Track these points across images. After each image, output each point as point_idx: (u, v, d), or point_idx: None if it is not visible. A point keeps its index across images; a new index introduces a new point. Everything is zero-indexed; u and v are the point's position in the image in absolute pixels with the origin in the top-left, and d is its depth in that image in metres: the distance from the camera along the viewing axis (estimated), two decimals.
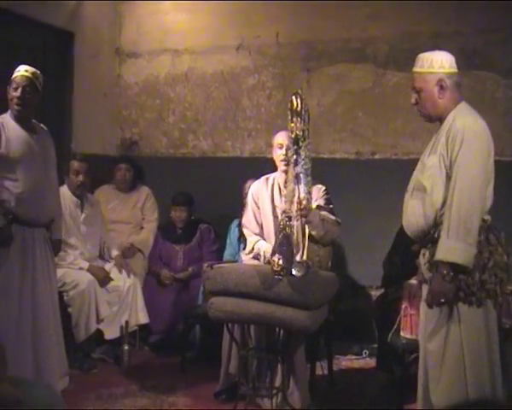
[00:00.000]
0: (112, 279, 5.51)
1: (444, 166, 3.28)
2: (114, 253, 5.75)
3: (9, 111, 4.39)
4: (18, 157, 4.28)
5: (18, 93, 4.32)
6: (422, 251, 3.45)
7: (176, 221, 6.13)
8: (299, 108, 4.07)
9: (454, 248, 3.17)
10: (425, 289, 3.44)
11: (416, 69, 3.45)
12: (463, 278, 3.21)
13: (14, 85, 4.33)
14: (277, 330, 4.22)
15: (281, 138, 4.61)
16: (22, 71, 4.37)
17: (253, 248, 4.67)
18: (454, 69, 3.41)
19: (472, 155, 3.21)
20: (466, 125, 3.25)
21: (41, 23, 5.95)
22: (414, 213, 3.40)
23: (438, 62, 3.38)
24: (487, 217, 3.30)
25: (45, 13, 5.95)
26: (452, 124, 3.30)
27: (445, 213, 3.22)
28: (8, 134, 4.30)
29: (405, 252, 4.34)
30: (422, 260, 3.45)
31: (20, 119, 4.37)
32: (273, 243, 4.18)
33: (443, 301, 3.23)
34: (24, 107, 4.35)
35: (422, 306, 3.49)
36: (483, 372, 3.25)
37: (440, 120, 3.41)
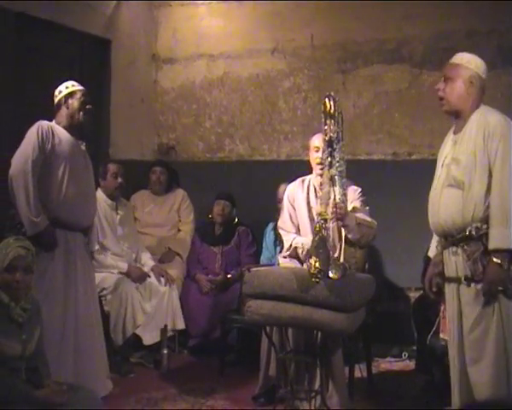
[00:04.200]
0: (149, 276, 5.58)
1: (481, 160, 3.38)
2: (151, 263, 5.78)
3: (57, 119, 4.53)
4: (67, 158, 4.41)
5: (90, 106, 4.56)
6: (450, 249, 3.50)
7: (217, 217, 6.13)
8: (332, 111, 4.04)
9: (509, 236, 3.27)
10: (451, 287, 3.52)
11: (452, 61, 3.61)
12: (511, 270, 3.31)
13: (82, 98, 4.52)
14: (315, 332, 4.20)
15: (317, 141, 4.59)
16: (80, 85, 4.59)
17: (290, 246, 4.67)
18: (484, 76, 3.57)
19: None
20: (501, 121, 3.42)
21: (78, 31, 6.03)
22: (449, 209, 3.46)
23: (474, 63, 3.55)
24: None
25: (82, 21, 6.04)
26: (485, 121, 3.42)
27: (494, 204, 3.32)
28: (60, 136, 4.43)
29: None
30: (452, 258, 3.49)
31: (75, 127, 4.53)
32: (310, 244, 4.17)
33: (501, 289, 3.31)
34: (91, 118, 4.60)
35: (450, 305, 3.55)
36: None
37: (458, 115, 3.56)
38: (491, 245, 3.30)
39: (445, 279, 3.58)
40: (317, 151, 4.56)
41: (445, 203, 3.49)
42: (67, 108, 4.52)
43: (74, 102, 4.52)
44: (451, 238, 3.49)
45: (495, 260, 3.29)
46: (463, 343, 3.45)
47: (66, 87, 4.55)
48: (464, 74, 3.52)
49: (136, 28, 6.89)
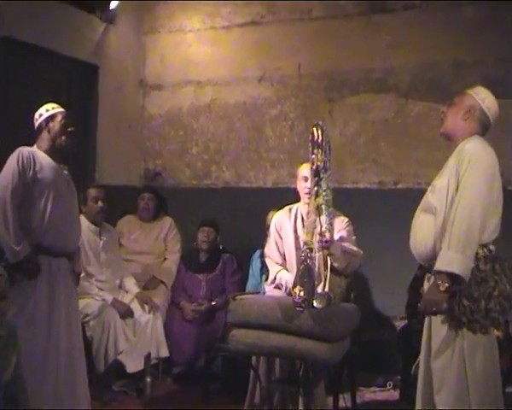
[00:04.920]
0: (132, 315, 5.50)
1: (452, 186, 3.37)
2: (135, 289, 5.75)
3: (38, 144, 4.46)
4: (50, 184, 4.33)
5: (72, 128, 4.47)
6: (427, 276, 3.50)
7: (201, 244, 6.09)
8: (319, 140, 4.05)
9: (453, 259, 3.26)
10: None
11: (466, 90, 3.59)
12: (468, 305, 3.29)
13: (62, 121, 4.44)
14: (297, 362, 4.18)
15: (306, 171, 4.55)
16: (61, 108, 4.52)
17: (275, 278, 4.64)
18: (489, 113, 3.52)
19: (477, 175, 3.32)
20: (475, 148, 3.39)
21: (66, 56, 6.04)
22: (422, 234, 3.49)
23: (482, 96, 3.54)
24: (492, 247, 3.38)
25: (70, 46, 6.05)
26: (463, 147, 3.41)
27: (448, 225, 3.31)
28: (41, 162, 4.36)
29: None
30: (427, 285, 3.49)
31: (57, 151, 4.45)
32: (295, 274, 4.15)
33: (434, 310, 3.33)
34: (73, 140, 4.50)
35: (424, 332, 3.54)
36: (487, 398, 3.31)
37: (450, 140, 3.57)
38: (436, 266, 3.31)
39: None
40: (306, 181, 4.54)
41: (420, 229, 3.51)
42: (48, 132, 4.43)
43: (55, 126, 4.43)
44: (426, 264, 3.51)
45: (435, 280, 3.29)
46: (430, 371, 3.45)
47: (47, 110, 4.47)
48: (466, 102, 3.52)
49: (124, 54, 6.91)
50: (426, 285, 3.51)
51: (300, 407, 4.21)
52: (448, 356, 3.35)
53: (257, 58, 6.64)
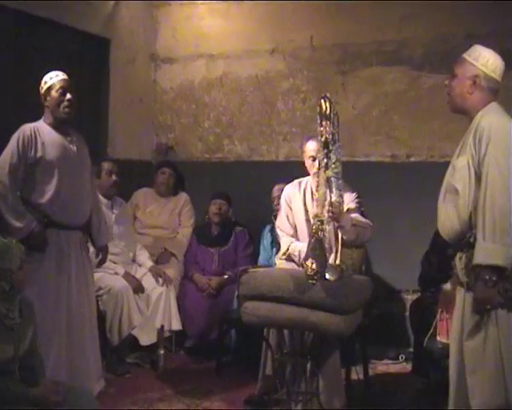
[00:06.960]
0: (143, 291, 5.52)
1: (473, 166, 3.21)
2: (149, 263, 5.77)
3: (44, 117, 4.45)
4: (54, 160, 4.34)
5: (69, 96, 4.38)
6: (459, 255, 3.36)
7: (213, 217, 6.09)
8: (328, 112, 4.03)
9: (492, 250, 3.09)
10: (460, 292, 3.38)
11: (464, 55, 3.38)
12: (502, 283, 3.13)
13: (60, 90, 4.37)
14: (307, 334, 4.19)
15: (312, 151, 4.53)
16: (61, 76, 4.44)
17: (287, 249, 4.64)
18: (496, 76, 3.33)
19: (500, 153, 3.13)
20: (492, 123, 3.19)
21: (77, 30, 6.03)
22: (448, 216, 3.33)
23: (483, 59, 3.32)
24: None
25: (81, 20, 6.03)
26: (479, 123, 3.23)
27: (479, 215, 3.14)
28: (44, 138, 4.35)
29: (442, 253, 4.28)
30: (459, 264, 3.35)
31: (60, 123, 4.43)
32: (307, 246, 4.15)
33: (489, 307, 3.15)
34: (73, 109, 4.42)
35: (457, 308, 3.41)
36: None
37: (464, 114, 3.37)
38: (475, 260, 3.14)
39: (458, 283, 3.49)
40: (314, 160, 4.48)
41: (445, 210, 3.36)
42: (48, 106, 4.41)
43: (52, 98, 4.38)
44: (455, 244, 3.36)
45: (481, 276, 3.12)
46: (463, 350, 3.32)
47: (45, 82, 4.42)
48: (468, 72, 3.30)
49: (136, 27, 6.88)
50: (457, 264, 3.36)
51: (315, 379, 4.23)
52: (481, 337, 3.21)
53: (269, 31, 6.59)
